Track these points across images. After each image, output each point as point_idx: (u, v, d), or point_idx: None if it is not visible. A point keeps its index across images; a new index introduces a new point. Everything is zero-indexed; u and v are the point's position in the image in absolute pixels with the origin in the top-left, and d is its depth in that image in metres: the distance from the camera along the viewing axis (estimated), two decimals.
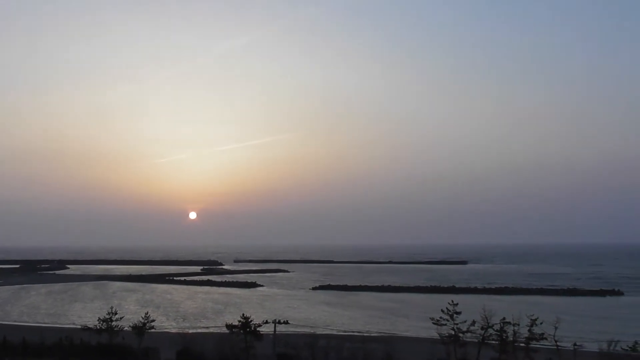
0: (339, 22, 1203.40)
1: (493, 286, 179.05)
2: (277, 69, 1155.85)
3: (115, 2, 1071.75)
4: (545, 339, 52.26)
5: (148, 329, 63.39)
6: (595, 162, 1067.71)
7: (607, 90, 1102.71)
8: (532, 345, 52.35)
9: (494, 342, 53.41)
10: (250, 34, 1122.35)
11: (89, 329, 63.66)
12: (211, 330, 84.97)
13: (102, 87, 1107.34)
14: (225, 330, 60.78)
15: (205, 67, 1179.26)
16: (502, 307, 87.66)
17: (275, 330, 58.91)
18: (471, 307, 63.36)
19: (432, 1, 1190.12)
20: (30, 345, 63.41)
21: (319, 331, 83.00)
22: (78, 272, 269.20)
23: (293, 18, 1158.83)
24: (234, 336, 58.27)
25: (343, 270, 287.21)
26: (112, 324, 63.03)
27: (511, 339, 52.62)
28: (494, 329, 53.32)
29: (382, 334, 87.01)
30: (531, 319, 52.22)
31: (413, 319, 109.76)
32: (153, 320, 65.03)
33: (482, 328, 53.67)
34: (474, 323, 54.03)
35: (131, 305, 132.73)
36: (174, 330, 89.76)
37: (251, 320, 58.12)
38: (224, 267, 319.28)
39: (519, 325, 52.93)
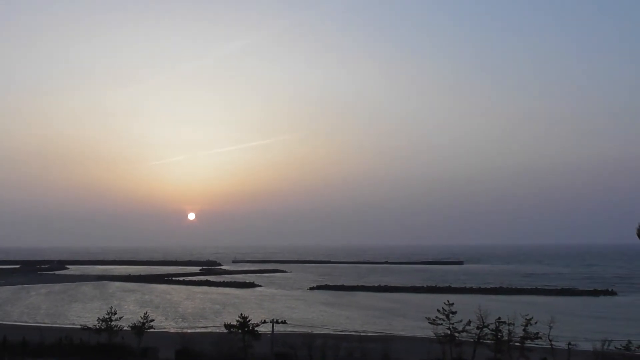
0: (338, 23, 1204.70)
1: (489, 286, 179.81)
2: (276, 71, 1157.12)
3: (115, 3, 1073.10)
4: (540, 338, 52.80)
5: (147, 329, 63.92)
6: (593, 163, 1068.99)
7: (605, 91, 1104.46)
8: (527, 345, 52.98)
9: (489, 341, 54.08)
10: (250, 36, 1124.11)
11: (88, 328, 64.03)
12: (210, 330, 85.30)
13: (102, 89, 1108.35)
14: (223, 330, 61.36)
15: (205, 68, 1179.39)
16: (498, 307, 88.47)
17: (273, 330, 59.43)
18: (467, 307, 64.14)
19: (431, 2, 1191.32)
20: (30, 345, 63.89)
21: (317, 331, 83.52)
22: (78, 273, 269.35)
23: (292, 20, 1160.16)
24: (233, 336, 58.81)
25: (340, 271, 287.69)
26: (112, 323, 63.43)
27: (506, 338, 53.28)
28: (489, 329, 53.98)
29: (379, 334, 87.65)
30: (526, 319, 52.91)
31: (409, 318, 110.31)
32: (152, 320, 65.55)
33: (477, 327, 54.34)
34: (469, 323, 54.76)
35: (130, 305, 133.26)
36: (173, 330, 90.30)
37: (249, 320, 58.64)
38: (222, 267, 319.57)
39: (514, 324, 53.68)
